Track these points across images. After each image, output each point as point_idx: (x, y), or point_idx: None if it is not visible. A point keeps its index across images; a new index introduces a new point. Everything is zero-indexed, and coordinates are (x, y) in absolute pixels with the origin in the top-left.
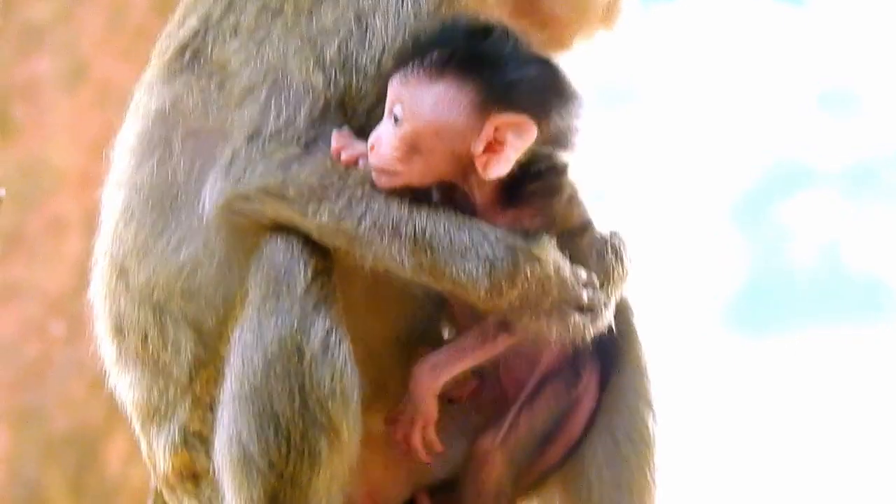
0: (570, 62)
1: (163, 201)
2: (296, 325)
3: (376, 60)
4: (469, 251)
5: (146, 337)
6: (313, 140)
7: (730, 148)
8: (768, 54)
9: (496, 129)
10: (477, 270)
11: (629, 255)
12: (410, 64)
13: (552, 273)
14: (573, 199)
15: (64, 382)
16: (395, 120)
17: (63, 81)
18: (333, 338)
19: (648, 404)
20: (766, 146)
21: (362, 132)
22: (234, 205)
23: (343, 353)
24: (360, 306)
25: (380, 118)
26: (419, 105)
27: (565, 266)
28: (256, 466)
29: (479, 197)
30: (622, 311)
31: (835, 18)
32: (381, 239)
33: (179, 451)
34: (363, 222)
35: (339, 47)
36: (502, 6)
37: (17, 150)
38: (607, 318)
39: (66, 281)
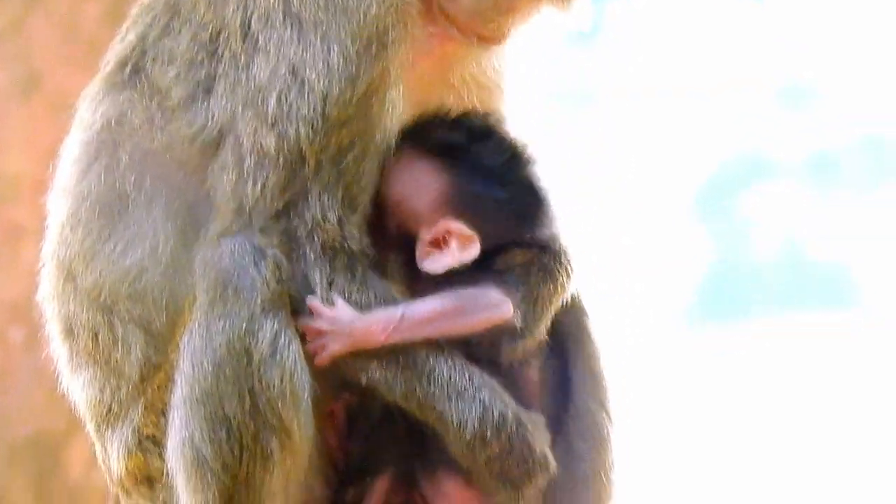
0: (532, 60)
1: (110, 207)
2: (244, 327)
3: (319, 111)
4: (466, 392)
5: (97, 336)
6: (289, 205)
7: (690, 141)
8: (727, 49)
9: (447, 231)
10: (469, 412)
11: (566, 269)
12: (415, 135)
13: (537, 449)
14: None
15: (24, 389)
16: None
17: (16, 91)
18: (282, 339)
19: (601, 404)
20: (726, 139)
21: (337, 184)
22: None
23: (293, 353)
24: None
25: (349, 170)
26: (398, 173)
27: (548, 452)
28: (210, 469)
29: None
30: (573, 313)
31: (792, 13)
32: (380, 361)
33: (133, 454)
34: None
35: (278, 100)
36: (418, 26)
37: None
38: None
39: (24, 288)
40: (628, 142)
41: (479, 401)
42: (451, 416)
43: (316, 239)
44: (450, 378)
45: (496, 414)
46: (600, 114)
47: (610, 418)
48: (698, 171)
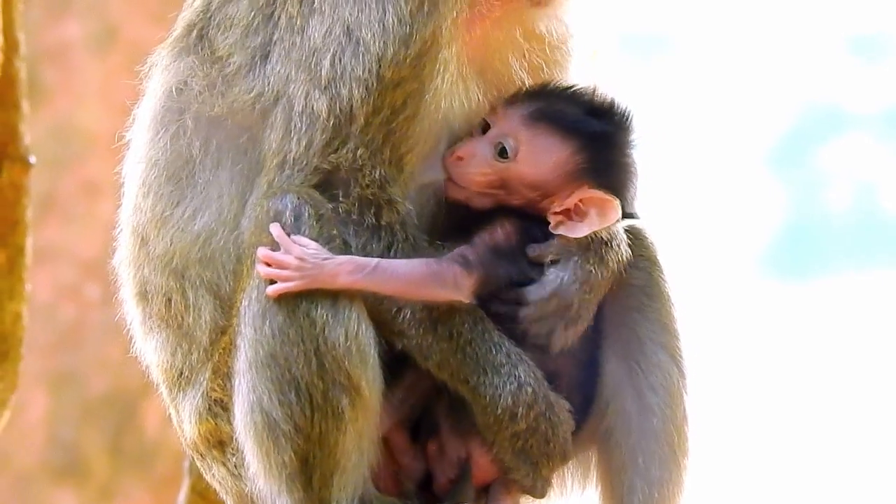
0: (606, 11)
1: (178, 174)
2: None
3: (374, 72)
4: (503, 367)
5: (169, 301)
6: (333, 162)
7: (764, 94)
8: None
9: (581, 201)
10: (504, 387)
11: (619, 254)
12: (537, 107)
13: (560, 433)
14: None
15: (100, 345)
16: (501, 152)
17: (92, 45)
18: (342, 298)
19: (672, 358)
20: (800, 92)
21: (385, 144)
22: None
23: (354, 312)
24: None
25: (400, 129)
26: (531, 151)
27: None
28: (282, 431)
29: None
30: (645, 267)
31: None
32: (417, 329)
33: (204, 418)
34: (403, 310)
35: (332, 62)
36: None
37: (48, 114)
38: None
39: (100, 244)
40: (701, 93)
41: (515, 377)
42: (485, 389)
43: (356, 197)
44: (486, 352)
45: (529, 392)
46: (674, 65)
47: (682, 372)
48: (772, 125)
